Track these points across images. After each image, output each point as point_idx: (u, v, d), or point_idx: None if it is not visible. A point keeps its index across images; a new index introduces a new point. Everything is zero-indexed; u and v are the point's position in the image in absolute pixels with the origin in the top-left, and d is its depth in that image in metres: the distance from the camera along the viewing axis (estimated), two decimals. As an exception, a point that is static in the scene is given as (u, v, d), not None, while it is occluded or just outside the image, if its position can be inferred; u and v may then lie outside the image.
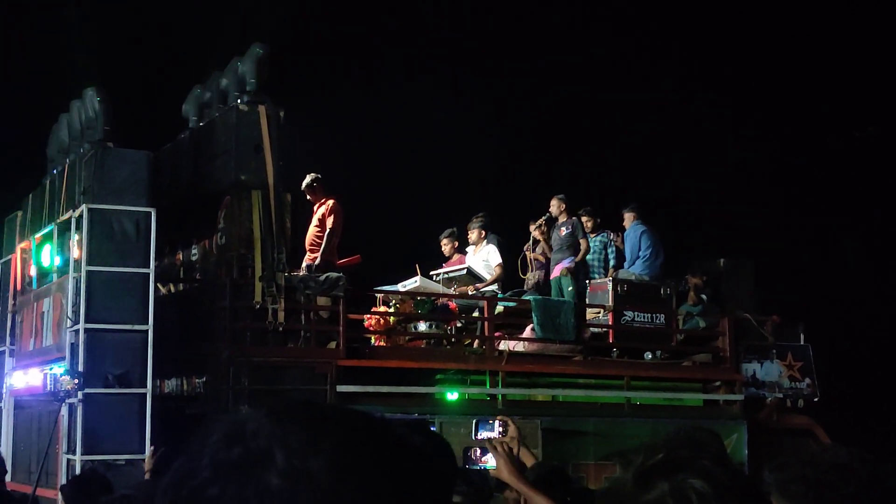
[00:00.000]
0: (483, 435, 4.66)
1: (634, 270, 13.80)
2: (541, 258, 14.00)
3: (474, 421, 4.80)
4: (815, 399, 13.92)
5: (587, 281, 13.59)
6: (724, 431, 12.86)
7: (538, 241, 14.05)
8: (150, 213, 10.54)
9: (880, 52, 21.48)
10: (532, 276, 14.04)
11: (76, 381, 9.87)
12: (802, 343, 14.16)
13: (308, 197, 12.39)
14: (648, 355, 13.36)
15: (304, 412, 1.28)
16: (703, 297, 14.03)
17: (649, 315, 13.37)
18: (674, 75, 20.53)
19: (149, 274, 10.48)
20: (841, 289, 19.17)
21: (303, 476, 1.19)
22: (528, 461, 4.77)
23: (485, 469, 4.25)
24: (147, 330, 10.34)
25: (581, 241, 13.57)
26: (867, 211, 20.91)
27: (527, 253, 14.17)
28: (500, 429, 4.68)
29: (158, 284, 11.42)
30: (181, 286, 12.67)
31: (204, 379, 11.34)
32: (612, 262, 14.01)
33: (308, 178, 12.38)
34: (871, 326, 19.48)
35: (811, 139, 20.82)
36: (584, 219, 13.80)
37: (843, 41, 21.27)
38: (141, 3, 17.90)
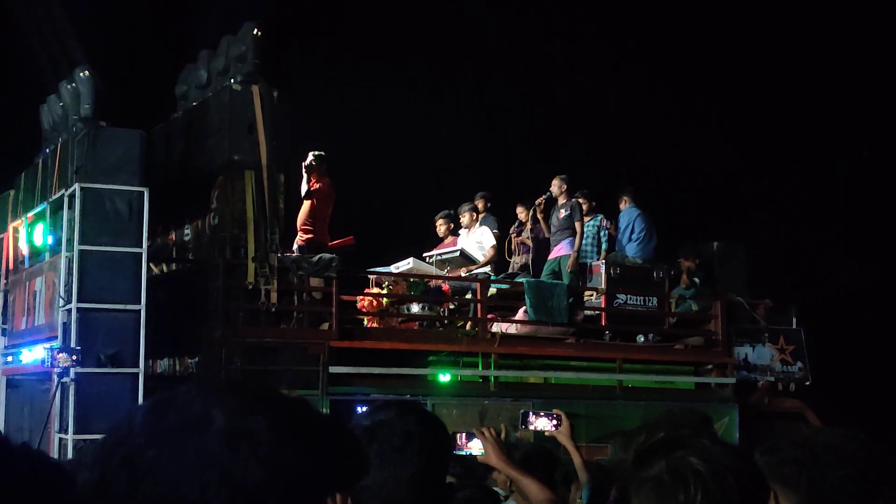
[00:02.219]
0: (536, 425, 4.76)
1: (628, 253, 13.82)
2: (527, 241, 14.01)
3: (521, 411, 4.93)
4: (807, 383, 13.96)
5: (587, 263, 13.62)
6: (715, 414, 12.93)
7: (523, 225, 14.06)
8: (143, 192, 10.51)
9: (874, 45, 21.47)
10: (518, 260, 14.06)
11: (74, 357, 9.86)
12: (795, 327, 14.18)
13: (305, 174, 12.22)
14: (641, 338, 13.39)
15: (233, 384, 1.34)
16: (696, 280, 14.05)
17: (642, 298, 13.39)
18: (669, 59, 20.50)
19: (141, 253, 10.46)
20: (833, 273, 19.21)
21: (243, 434, 1.22)
22: (577, 459, 4.88)
23: (471, 455, 4.26)
24: (139, 310, 10.33)
25: (577, 223, 13.57)
26: (860, 195, 20.93)
27: (512, 236, 14.18)
28: (555, 421, 4.76)
29: (151, 264, 11.40)
30: (174, 266, 12.66)
31: (196, 359, 11.34)
32: (604, 246, 14.03)
33: (311, 155, 12.19)
34: (863, 311, 19.52)
35: (805, 123, 20.80)
36: (580, 201, 13.81)
37: (834, 34, 21.26)
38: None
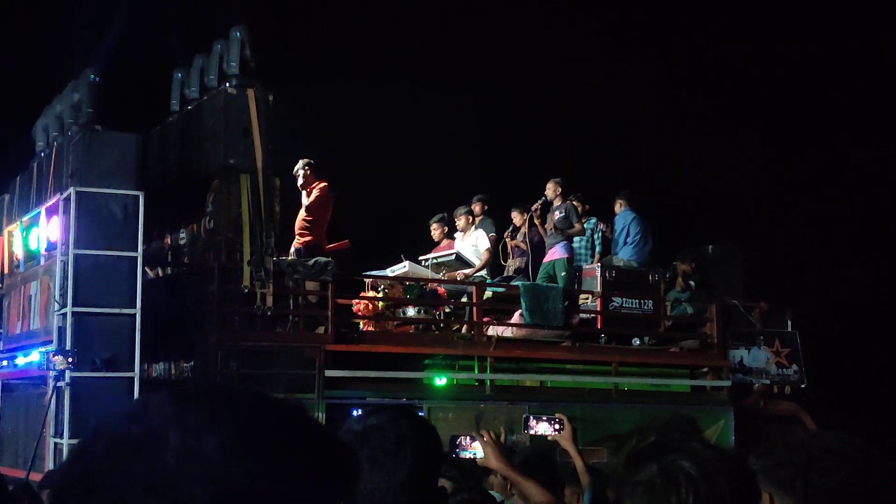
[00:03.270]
0: (537, 430, 4.75)
1: (623, 256, 13.83)
2: (522, 245, 14.02)
3: (523, 415, 4.91)
4: (802, 386, 13.97)
5: (577, 267, 13.63)
6: (711, 417, 12.97)
7: (518, 228, 14.08)
8: (139, 196, 10.50)
9: (872, 46, 21.51)
10: (512, 264, 14.08)
11: (70, 360, 9.84)
12: (790, 330, 14.20)
13: (299, 181, 12.35)
14: (636, 341, 13.39)
15: (205, 393, 1.29)
16: (692, 283, 14.06)
17: (637, 301, 13.40)
18: (666, 62, 20.52)
19: (137, 258, 10.45)
20: (828, 276, 19.23)
21: (195, 455, 1.19)
22: (578, 463, 4.87)
23: (473, 456, 4.27)
24: (135, 314, 10.32)
25: (576, 224, 13.57)
26: (856, 198, 20.95)
27: (507, 240, 14.19)
28: (557, 425, 4.76)
29: (146, 268, 11.40)
30: (169, 270, 12.64)
31: (192, 363, 11.33)
32: (598, 249, 14.05)
33: (300, 163, 12.36)
34: (859, 313, 19.54)
35: (802, 126, 20.83)
36: (574, 203, 13.82)
37: (833, 34, 21.29)
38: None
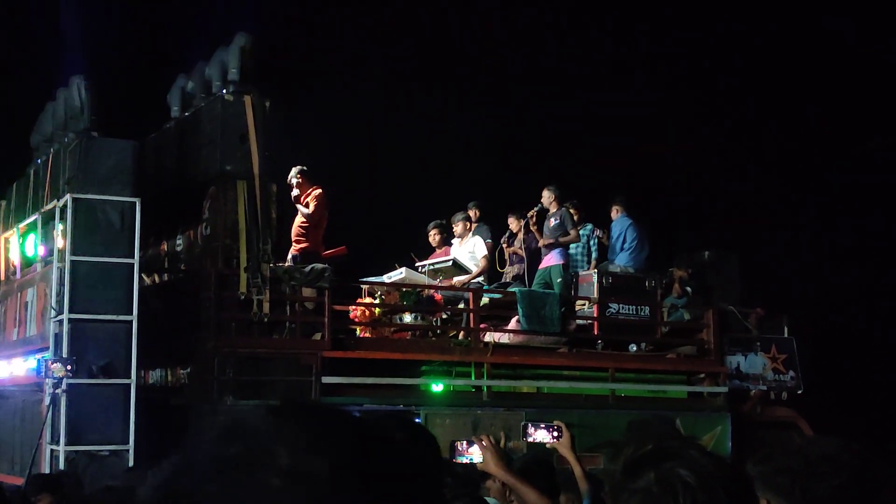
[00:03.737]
0: (536, 437, 4.73)
1: (620, 262, 13.84)
2: (519, 252, 14.02)
3: (521, 423, 4.89)
4: (799, 391, 13.98)
5: (573, 273, 13.63)
6: (708, 423, 12.98)
7: (515, 235, 14.08)
8: (135, 202, 10.50)
9: (861, 49, 21.56)
10: (510, 270, 14.07)
11: (69, 367, 9.82)
12: (786, 336, 14.21)
13: (293, 189, 12.36)
14: (633, 347, 13.41)
15: (304, 412, 1.27)
16: (688, 289, 14.06)
17: (634, 307, 13.41)
18: (661, 68, 20.55)
19: (133, 264, 10.45)
20: (825, 282, 19.24)
21: (304, 476, 1.18)
22: (577, 469, 4.84)
23: (471, 461, 4.27)
24: (131, 320, 10.32)
25: (571, 231, 13.58)
26: (852, 205, 20.98)
27: (504, 247, 14.19)
28: (556, 433, 4.74)
29: (143, 275, 11.39)
30: (166, 276, 12.64)
31: (189, 370, 11.32)
32: (594, 255, 14.06)
33: (293, 171, 12.37)
34: (855, 319, 19.57)
35: (797, 132, 20.86)
36: (571, 211, 13.84)
37: (821, 38, 21.34)
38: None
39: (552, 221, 13.68)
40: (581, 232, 13.96)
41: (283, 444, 1.20)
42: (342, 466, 1.20)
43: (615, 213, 14.20)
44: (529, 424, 4.83)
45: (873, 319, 19.71)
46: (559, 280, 13.24)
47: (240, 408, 10.74)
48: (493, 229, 14.10)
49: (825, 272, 19.47)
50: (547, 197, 13.86)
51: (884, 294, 19.83)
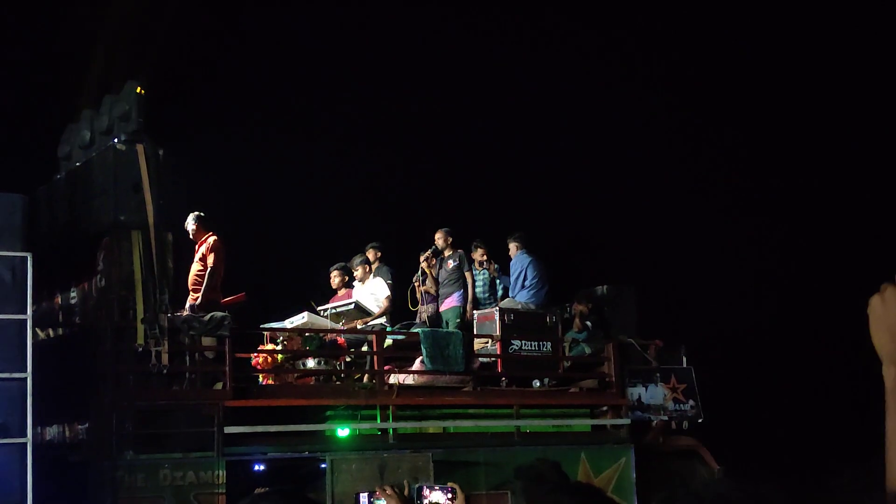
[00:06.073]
0: (430, 498, 4.71)
1: (520, 299, 13.97)
2: (431, 291, 14.07)
3: (416, 486, 4.86)
4: (700, 420, 14.22)
5: (474, 312, 13.72)
6: (612, 455, 13.13)
7: (427, 274, 14.12)
8: (26, 258, 10.25)
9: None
10: (424, 310, 14.09)
11: None
12: (685, 365, 14.46)
13: (190, 235, 12.24)
14: (537, 383, 13.51)
15: None
16: (588, 323, 14.24)
17: (536, 343, 13.52)
18: (553, 102, 20.87)
19: (26, 320, 10.18)
20: (720, 311, 19.66)
21: None
22: None
23: None
24: (26, 377, 10.03)
25: (466, 273, 13.69)
26: (744, 233, 21.52)
27: (416, 285, 14.21)
28: (449, 495, 4.73)
29: (37, 329, 11.10)
30: (60, 330, 12.35)
31: (87, 425, 11.06)
32: (499, 293, 14.18)
33: (190, 217, 12.26)
34: (750, 347, 20.01)
35: (689, 164, 21.35)
36: (479, 252, 13.96)
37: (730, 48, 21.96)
38: (14, 38, 17.49)
39: (450, 263, 13.79)
40: (483, 273, 14.10)
41: None
42: None
43: (513, 249, 14.34)
44: (424, 487, 4.81)
45: (769, 346, 20.20)
46: (458, 321, 13.36)
47: (140, 461, 10.55)
48: (398, 269, 14.11)
49: (718, 301, 19.91)
50: (441, 238, 13.97)
51: (775, 318, 20.35)
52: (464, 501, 4.75)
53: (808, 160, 21.70)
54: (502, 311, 13.48)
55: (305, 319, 12.83)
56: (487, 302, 14.08)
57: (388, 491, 4.21)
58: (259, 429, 11.34)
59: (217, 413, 11.08)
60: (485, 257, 14.09)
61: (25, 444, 9.93)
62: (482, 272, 14.10)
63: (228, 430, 11.08)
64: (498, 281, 14.21)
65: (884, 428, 1.76)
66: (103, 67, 12.53)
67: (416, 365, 12.85)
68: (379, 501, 4.22)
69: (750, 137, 22.30)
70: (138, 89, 11.64)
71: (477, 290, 13.95)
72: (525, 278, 14.00)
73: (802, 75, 22.19)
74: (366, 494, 4.23)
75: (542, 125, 20.72)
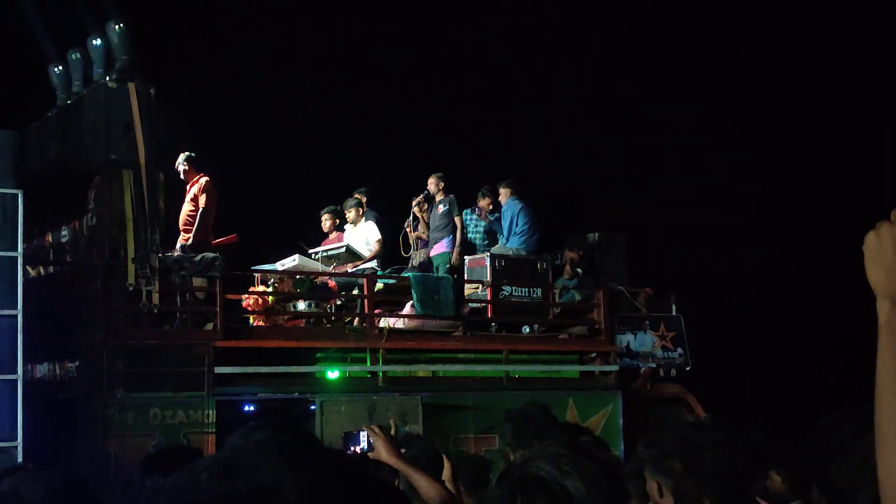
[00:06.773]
0: (354, 449, 4.50)
1: (511, 245, 13.97)
2: (423, 236, 14.07)
3: (342, 435, 4.65)
4: (688, 368, 14.30)
5: (464, 257, 13.73)
6: (600, 401, 13.23)
7: (419, 219, 14.11)
8: (17, 194, 10.21)
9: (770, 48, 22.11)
10: (416, 255, 14.10)
11: None
12: (674, 314, 14.53)
13: (181, 176, 12.20)
14: (526, 329, 13.56)
15: (302, 449, 1.27)
16: (579, 270, 14.27)
17: (527, 289, 13.56)
18: (546, 49, 20.75)
19: (17, 257, 10.17)
20: (709, 259, 19.71)
21: None
22: (416, 482, 4.56)
23: (364, 450, 4.30)
24: (17, 314, 10.04)
25: (455, 218, 13.69)
26: (736, 181, 21.50)
27: (408, 231, 14.20)
28: (369, 441, 4.48)
29: (27, 267, 11.10)
30: (52, 268, 12.34)
31: (77, 363, 11.09)
32: (500, 238, 14.16)
33: (181, 157, 12.21)
34: (739, 295, 20.09)
35: (680, 111, 21.28)
36: (485, 200, 13.96)
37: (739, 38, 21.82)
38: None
39: (440, 208, 13.78)
40: (480, 222, 14.12)
41: (290, 478, 1.20)
42: (350, 499, 1.22)
43: (504, 196, 14.31)
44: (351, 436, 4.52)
45: (757, 295, 20.29)
46: (447, 266, 13.38)
47: (130, 400, 10.60)
48: (388, 215, 14.08)
49: (709, 250, 19.94)
50: (434, 184, 13.95)
51: (765, 270, 20.41)
52: (450, 470, 4.72)
53: (803, 100, 21.60)
54: (493, 257, 13.49)
55: (297, 262, 12.83)
56: (481, 247, 14.09)
57: (376, 430, 4.23)
58: (249, 369, 11.39)
59: (207, 353, 11.11)
60: (490, 207, 14.08)
61: (16, 380, 9.97)
62: (481, 222, 14.11)
63: (218, 370, 11.13)
64: (496, 226, 14.18)
65: (874, 368, 1.77)
66: (95, 4, 12.35)
67: (407, 309, 12.88)
68: (363, 437, 4.24)
69: (745, 77, 22.22)
70: (127, 28, 11.54)
71: (475, 237, 13.96)
72: (516, 224, 14.00)
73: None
74: (364, 433, 4.24)
75: (536, 71, 20.60)
